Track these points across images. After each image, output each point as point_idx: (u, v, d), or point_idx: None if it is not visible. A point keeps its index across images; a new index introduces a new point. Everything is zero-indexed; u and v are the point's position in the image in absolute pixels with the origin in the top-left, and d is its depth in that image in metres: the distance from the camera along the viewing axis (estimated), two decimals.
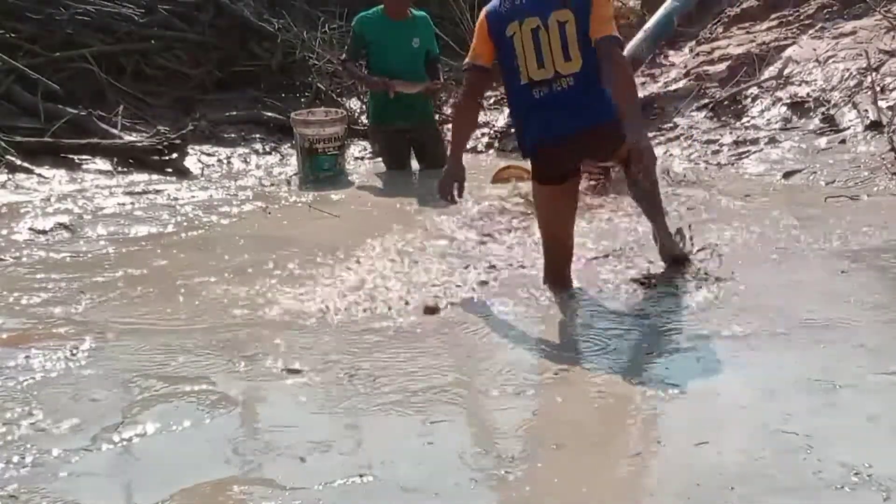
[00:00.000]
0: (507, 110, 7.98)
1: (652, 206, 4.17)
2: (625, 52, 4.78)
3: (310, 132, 6.52)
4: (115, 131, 7.06)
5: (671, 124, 6.91)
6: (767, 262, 4.23)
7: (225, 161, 7.08)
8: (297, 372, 3.26)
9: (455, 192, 4.06)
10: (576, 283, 4.07)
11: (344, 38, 8.05)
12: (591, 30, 3.78)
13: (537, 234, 4.77)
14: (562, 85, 3.80)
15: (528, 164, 6.60)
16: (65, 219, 5.36)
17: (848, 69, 6.66)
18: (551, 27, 3.77)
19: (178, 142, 6.80)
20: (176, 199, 5.95)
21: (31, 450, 2.73)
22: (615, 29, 3.87)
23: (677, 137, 6.72)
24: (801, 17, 7.59)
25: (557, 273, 4.07)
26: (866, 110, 6.16)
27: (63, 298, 4.06)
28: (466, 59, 4.08)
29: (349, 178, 6.56)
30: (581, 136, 3.85)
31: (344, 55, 6.99)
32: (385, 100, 6.67)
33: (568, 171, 4.01)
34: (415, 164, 6.82)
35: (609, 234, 4.80)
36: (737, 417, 2.84)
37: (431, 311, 3.78)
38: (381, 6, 6.62)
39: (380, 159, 7.00)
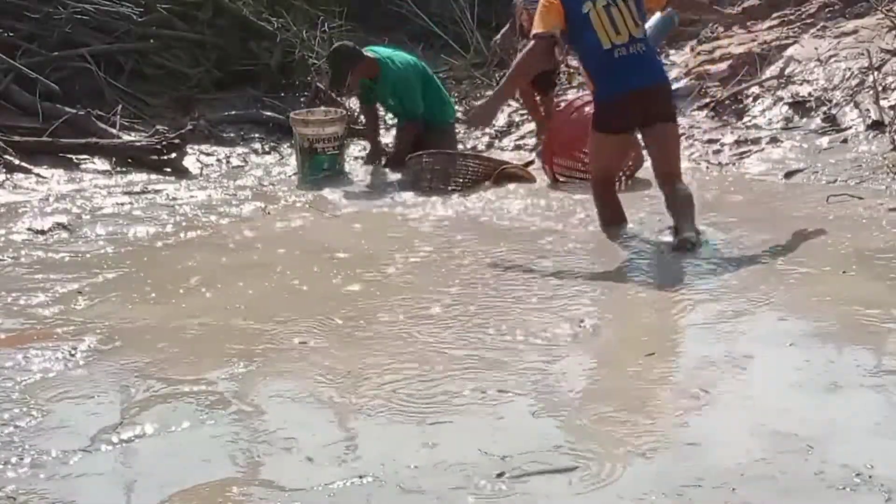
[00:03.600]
0: (507, 109, 8.01)
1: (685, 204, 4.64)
2: None
3: (309, 132, 6.51)
4: (113, 131, 7.05)
5: None
6: (769, 262, 4.22)
7: (224, 161, 7.07)
8: (296, 372, 3.26)
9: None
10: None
11: (343, 37, 8.04)
12: (647, 6, 4.83)
13: (527, 240, 4.78)
14: (637, 49, 4.63)
15: (525, 164, 6.66)
16: (63, 219, 5.35)
17: (849, 68, 6.65)
18: (619, 3, 4.62)
19: (176, 141, 6.79)
20: (175, 198, 5.93)
21: (29, 451, 2.72)
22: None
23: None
24: (803, 16, 7.59)
25: (614, 213, 4.86)
26: (868, 110, 6.15)
27: (61, 298, 4.04)
28: (534, 31, 4.73)
29: (348, 177, 6.55)
30: (648, 91, 4.66)
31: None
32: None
33: (628, 124, 4.77)
34: None
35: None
36: (737, 417, 2.83)
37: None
38: None
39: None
